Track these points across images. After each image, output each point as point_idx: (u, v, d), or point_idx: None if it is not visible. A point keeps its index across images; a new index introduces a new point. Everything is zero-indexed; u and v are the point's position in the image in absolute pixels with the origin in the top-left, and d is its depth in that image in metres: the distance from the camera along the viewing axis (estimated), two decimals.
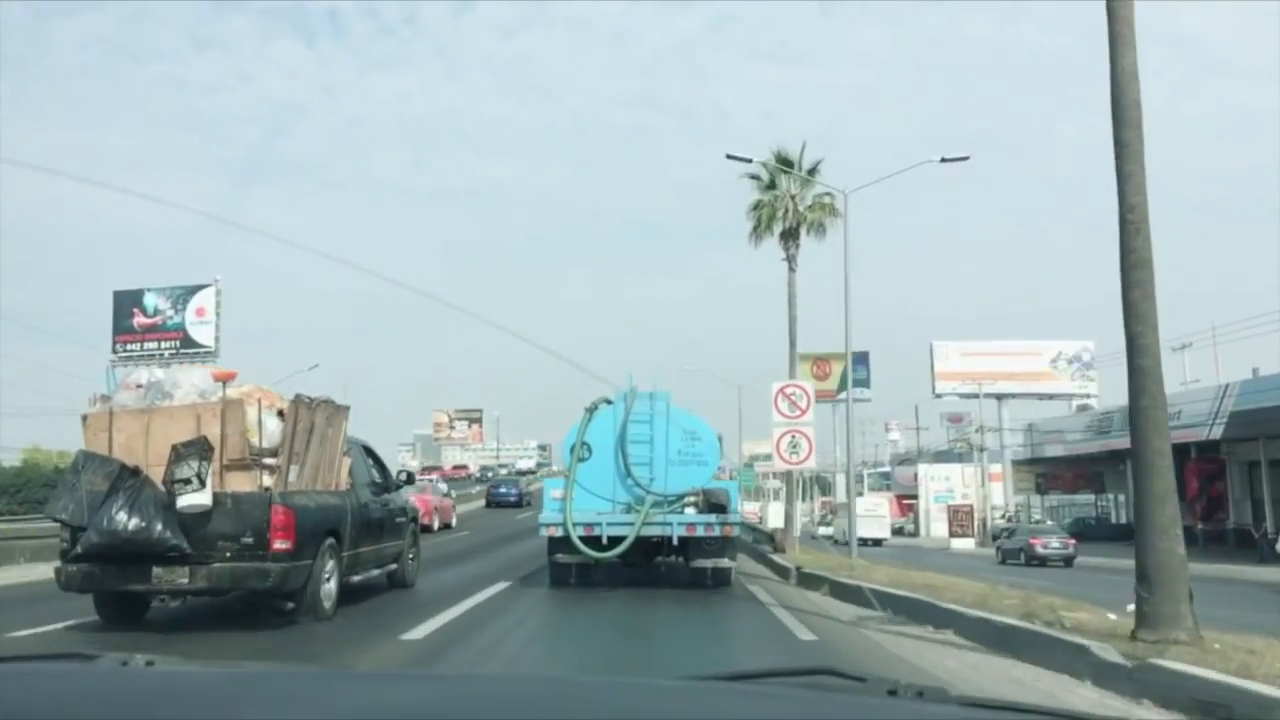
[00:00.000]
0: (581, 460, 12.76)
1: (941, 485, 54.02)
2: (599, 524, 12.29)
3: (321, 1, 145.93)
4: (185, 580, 8.44)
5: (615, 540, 12.22)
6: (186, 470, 8.34)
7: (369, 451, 11.78)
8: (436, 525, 24.69)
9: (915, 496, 58.74)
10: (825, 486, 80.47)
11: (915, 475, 58.81)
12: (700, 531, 12.48)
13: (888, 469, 73.30)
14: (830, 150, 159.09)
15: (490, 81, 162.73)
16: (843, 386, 53.90)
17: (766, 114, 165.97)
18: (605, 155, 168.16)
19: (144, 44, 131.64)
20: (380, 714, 1.10)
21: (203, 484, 8.36)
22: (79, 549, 8.32)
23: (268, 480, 8.74)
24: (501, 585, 12.71)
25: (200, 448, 8.42)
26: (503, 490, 41.22)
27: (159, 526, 8.19)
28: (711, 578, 12.86)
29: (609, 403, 13.14)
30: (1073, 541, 33.74)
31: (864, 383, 55.66)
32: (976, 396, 53.38)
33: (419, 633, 8.42)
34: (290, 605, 8.91)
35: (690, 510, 12.64)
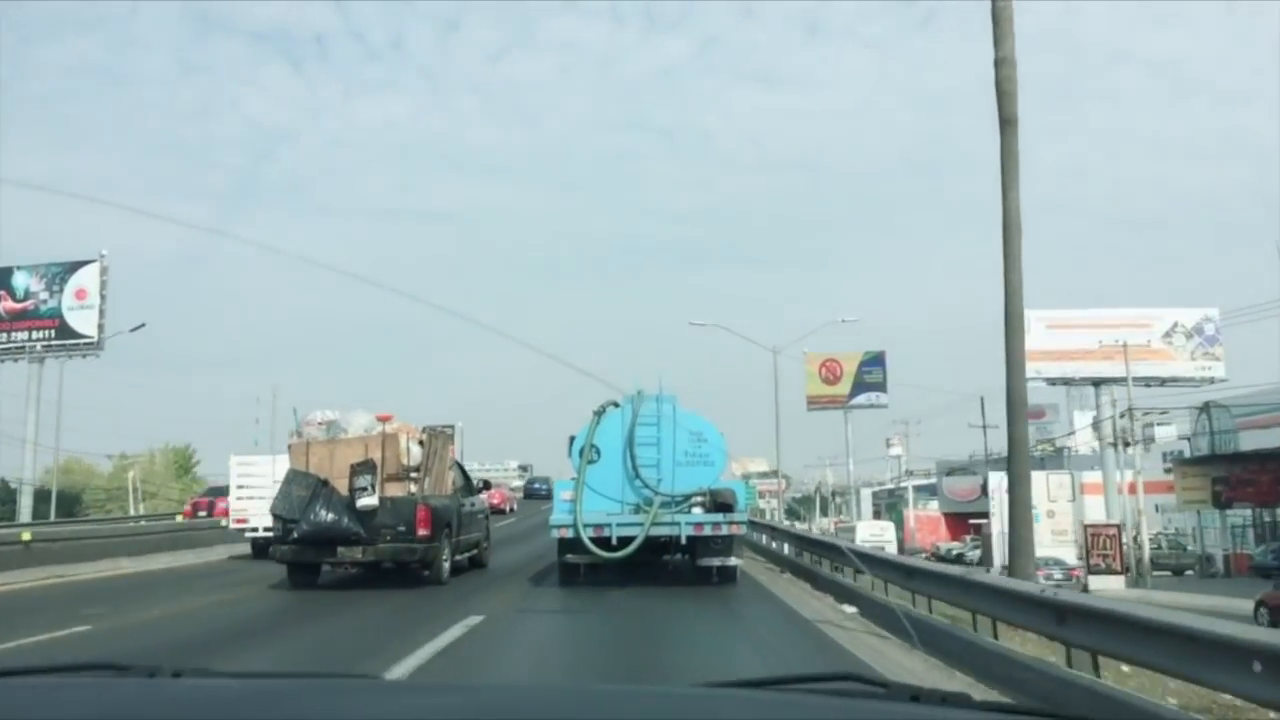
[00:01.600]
0: (591, 463, 13.07)
1: None
2: (609, 525, 12.60)
3: (308, 26, 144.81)
4: (360, 555, 12.60)
5: (624, 540, 12.52)
6: (361, 481, 12.37)
7: (460, 465, 15.62)
8: (507, 510, 34.56)
9: (978, 515, 45.55)
10: (823, 505, 74.13)
11: (985, 487, 43.40)
12: (708, 531, 12.76)
13: (929, 481, 60.38)
14: (815, 174, 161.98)
15: (476, 105, 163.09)
16: (858, 389, 49.46)
17: (752, 138, 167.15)
18: (590, 178, 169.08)
19: (129, 69, 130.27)
20: None
21: (372, 491, 12.38)
22: (294, 535, 12.33)
23: (413, 488, 12.84)
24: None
25: (370, 466, 12.51)
26: (536, 486, 54.42)
27: (345, 520, 12.27)
28: (718, 575, 13.16)
29: (616, 406, 13.44)
30: None
31: (879, 386, 50.13)
32: (1067, 383, 40.92)
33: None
34: (426, 573, 12.92)
35: (697, 510, 12.89)
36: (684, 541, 12.94)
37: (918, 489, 65.76)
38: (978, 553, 41.07)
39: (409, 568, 12.85)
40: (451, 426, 25.28)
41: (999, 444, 49.81)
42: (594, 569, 12.85)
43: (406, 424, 13.52)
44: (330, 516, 12.20)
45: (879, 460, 73.85)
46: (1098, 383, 40.34)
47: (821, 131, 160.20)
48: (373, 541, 12.34)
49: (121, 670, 1.53)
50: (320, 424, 13.05)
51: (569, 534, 12.57)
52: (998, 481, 34.29)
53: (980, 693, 6.20)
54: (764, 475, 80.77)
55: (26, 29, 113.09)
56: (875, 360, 50.33)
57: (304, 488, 12.33)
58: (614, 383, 13.72)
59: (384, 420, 13.17)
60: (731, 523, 12.85)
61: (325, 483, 12.39)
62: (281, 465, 14.03)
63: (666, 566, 14.03)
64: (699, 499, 12.95)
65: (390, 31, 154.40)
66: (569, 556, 12.81)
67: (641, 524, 12.55)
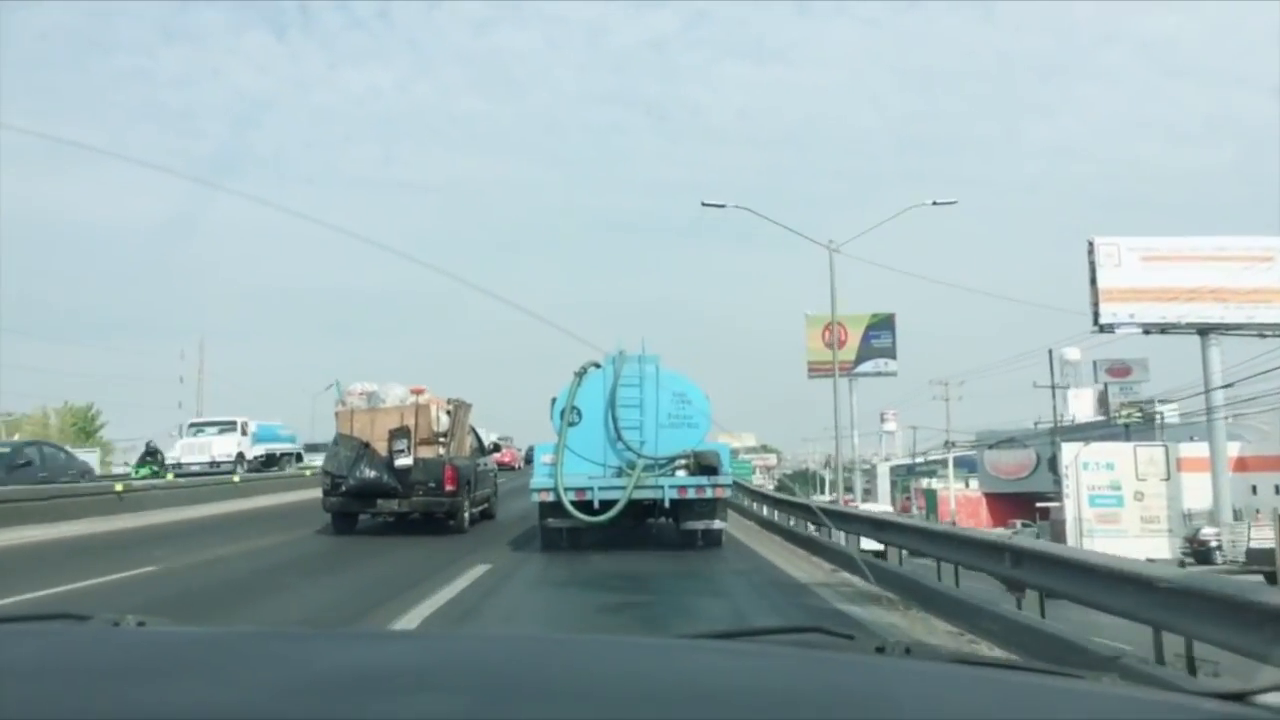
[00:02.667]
0: (572, 425, 12.85)
1: (1102, 477, 28.14)
2: (590, 488, 12.41)
3: None
4: (396, 506, 14.50)
5: (607, 504, 12.32)
6: (398, 444, 14.34)
7: (474, 430, 17.18)
8: (516, 466, 35.20)
9: (1030, 496, 40.81)
10: (822, 481, 66.69)
11: (1052, 461, 37.22)
12: (692, 494, 12.50)
13: (969, 453, 50.24)
14: (804, 150, 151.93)
15: (463, 77, 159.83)
16: (864, 355, 43.45)
17: (741, 112, 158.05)
18: (577, 151, 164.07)
19: (110, 35, 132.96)
20: (363, 673, 1.11)
21: (408, 452, 14.28)
22: (343, 489, 14.33)
23: (441, 450, 14.82)
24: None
25: (405, 431, 14.49)
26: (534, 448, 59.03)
27: (385, 477, 14.24)
28: (702, 539, 12.91)
29: (598, 366, 13.13)
30: None
31: (888, 352, 44.95)
32: (1171, 329, 31.01)
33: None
34: (451, 522, 14.65)
35: (681, 473, 12.61)
36: (668, 505, 12.70)
37: (936, 462, 55.71)
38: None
39: (436, 517, 14.64)
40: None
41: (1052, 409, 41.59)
42: (576, 533, 12.70)
43: (435, 395, 15.56)
44: (372, 474, 14.23)
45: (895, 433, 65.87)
46: (1204, 330, 30.60)
47: (811, 107, 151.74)
48: (408, 495, 14.37)
49: (84, 619, 1.54)
50: (361, 394, 15.11)
51: (550, 498, 12.39)
52: (1073, 454, 28.86)
53: (946, 637, 7.05)
54: (753, 450, 75.13)
55: None
56: (884, 324, 45.30)
57: (350, 449, 14.46)
58: (595, 343, 13.49)
59: (417, 393, 15.24)
60: (716, 485, 12.54)
61: (367, 445, 14.45)
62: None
63: (650, 530, 13.86)
64: (683, 461, 12.64)
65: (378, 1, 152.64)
66: (550, 521, 12.64)
67: (624, 487, 12.32)
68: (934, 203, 20.03)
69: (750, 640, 1.54)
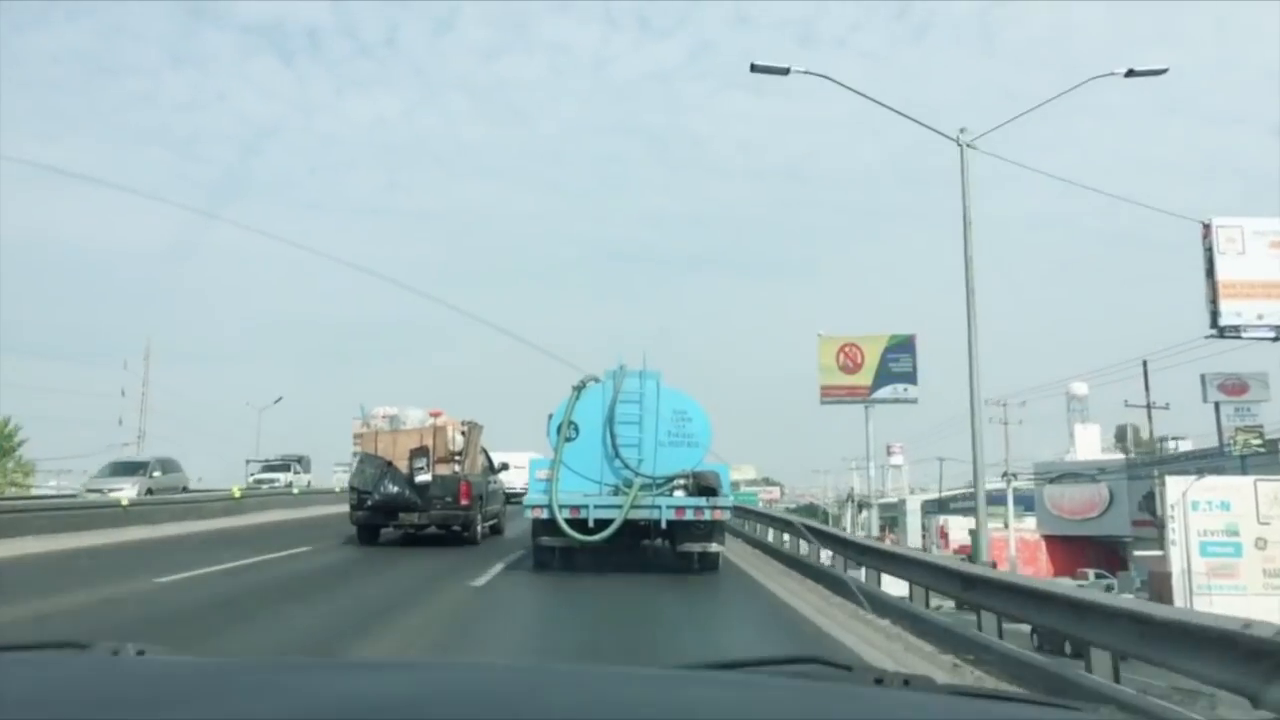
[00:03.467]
0: (568, 440, 12.52)
1: (1215, 519, 22.15)
2: (585, 506, 12.05)
3: (301, 19, 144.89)
4: (416, 519, 15.54)
5: (602, 523, 11.96)
6: (419, 463, 15.40)
7: (484, 450, 17.71)
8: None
9: (1100, 540, 35.38)
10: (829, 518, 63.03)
11: (1111, 496, 33.68)
12: (690, 515, 12.12)
13: (1026, 483, 42.80)
14: (804, 183, 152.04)
15: (468, 105, 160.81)
16: (882, 380, 40.56)
17: (742, 145, 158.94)
18: (580, 180, 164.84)
19: (118, 59, 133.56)
20: (365, 703, 1.12)
21: (427, 470, 15.38)
22: (368, 503, 15.42)
23: (456, 468, 15.79)
24: None
25: (424, 451, 15.59)
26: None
27: (406, 492, 15.31)
28: (699, 562, 12.52)
29: (597, 381, 12.79)
30: None
31: (908, 377, 41.60)
32: None
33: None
34: (465, 534, 15.69)
35: (680, 493, 12.26)
36: (664, 526, 12.28)
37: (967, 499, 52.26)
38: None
39: (451, 529, 15.65)
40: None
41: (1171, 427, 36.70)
42: (569, 553, 12.34)
43: (451, 418, 16.52)
44: (395, 489, 15.28)
45: (921, 466, 60.22)
46: None
47: (812, 140, 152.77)
48: (427, 509, 15.42)
49: (85, 648, 1.54)
50: (384, 417, 16.22)
51: (544, 515, 12.05)
52: (1180, 491, 22.39)
53: (933, 665, 7.07)
54: (753, 483, 72.61)
55: (13, 15, 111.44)
56: (903, 345, 41.76)
57: (374, 467, 15.48)
58: (583, 366, 13.24)
59: (435, 415, 16.35)
60: (715, 507, 12.15)
61: (390, 463, 15.47)
62: None
63: (646, 552, 13.46)
64: (681, 481, 12.31)
65: (384, 28, 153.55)
66: (544, 539, 12.30)
67: (620, 506, 11.98)
68: (1129, 72, 15.06)
69: (747, 670, 1.54)
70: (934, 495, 55.77)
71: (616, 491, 12.27)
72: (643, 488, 12.16)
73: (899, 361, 42.15)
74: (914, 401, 42.06)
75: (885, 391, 41.99)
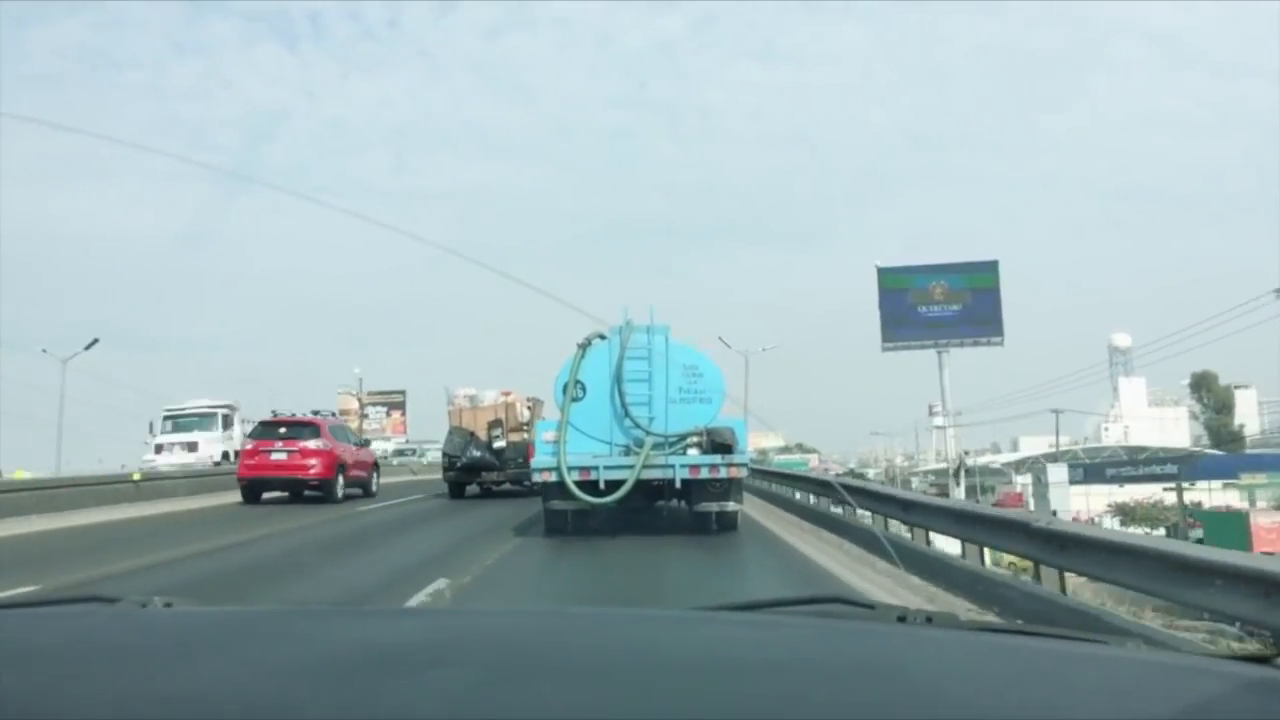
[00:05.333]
0: (575, 400, 12.02)
1: None
2: (595, 467, 11.58)
3: (303, 3, 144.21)
4: (495, 478, 19.61)
5: (613, 485, 11.50)
6: (495, 432, 19.48)
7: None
8: None
9: None
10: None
11: None
12: (705, 473, 11.63)
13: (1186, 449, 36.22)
14: (813, 150, 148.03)
15: (473, 84, 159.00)
16: (960, 319, 31.19)
17: (752, 113, 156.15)
18: (588, 155, 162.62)
19: (123, 50, 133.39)
20: (381, 649, 1.14)
21: (502, 437, 19.37)
22: (458, 465, 19.46)
23: (525, 435, 18.69)
24: None
25: (499, 422, 19.60)
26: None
27: (486, 456, 19.31)
28: (716, 522, 12.06)
29: (603, 338, 12.26)
30: None
31: (991, 315, 32.24)
32: None
33: None
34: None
35: (693, 451, 11.77)
36: (679, 485, 11.79)
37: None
38: None
39: (523, 484, 17.53)
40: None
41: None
42: (581, 516, 11.90)
43: (519, 395, 20.65)
44: (478, 454, 19.24)
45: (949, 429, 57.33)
46: None
47: (820, 106, 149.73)
48: (503, 469, 19.34)
49: (113, 601, 1.57)
50: (464, 396, 20.48)
51: (552, 478, 11.60)
52: None
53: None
54: (785, 451, 70.91)
55: (15, 9, 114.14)
56: (983, 274, 32.30)
57: (461, 437, 19.53)
58: (599, 315, 12.69)
59: (505, 394, 20.44)
60: (730, 464, 11.60)
61: (472, 433, 19.55)
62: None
63: (661, 513, 12.98)
64: (695, 439, 11.78)
65: (387, 9, 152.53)
66: (554, 503, 11.86)
67: (631, 466, 11.48)
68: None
69: (770, 611, 1.52)
70: (1002, 457, 50.46)
71: (627, 452, 11.80)
72: (655, 447, 11.66)
73: (979, 297, 32.39)
74: (998, 343, 32.24)
75: (965, 331, 32.34)
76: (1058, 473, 37.72)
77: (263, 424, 19.39)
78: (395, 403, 73.45)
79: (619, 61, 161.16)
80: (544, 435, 12.10)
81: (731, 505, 12.04)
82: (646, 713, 0.93)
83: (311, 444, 17.86)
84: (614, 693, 0.97)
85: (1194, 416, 51.61)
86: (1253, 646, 4.13)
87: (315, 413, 19.76)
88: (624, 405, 11.90)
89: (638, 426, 11.83)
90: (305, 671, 1.06)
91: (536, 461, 12.01)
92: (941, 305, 32.51)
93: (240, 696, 0.97)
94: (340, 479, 18.34)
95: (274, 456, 17.78)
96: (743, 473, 12.16)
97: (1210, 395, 39.96)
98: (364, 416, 63.23)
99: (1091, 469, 46.48)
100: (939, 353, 31.44)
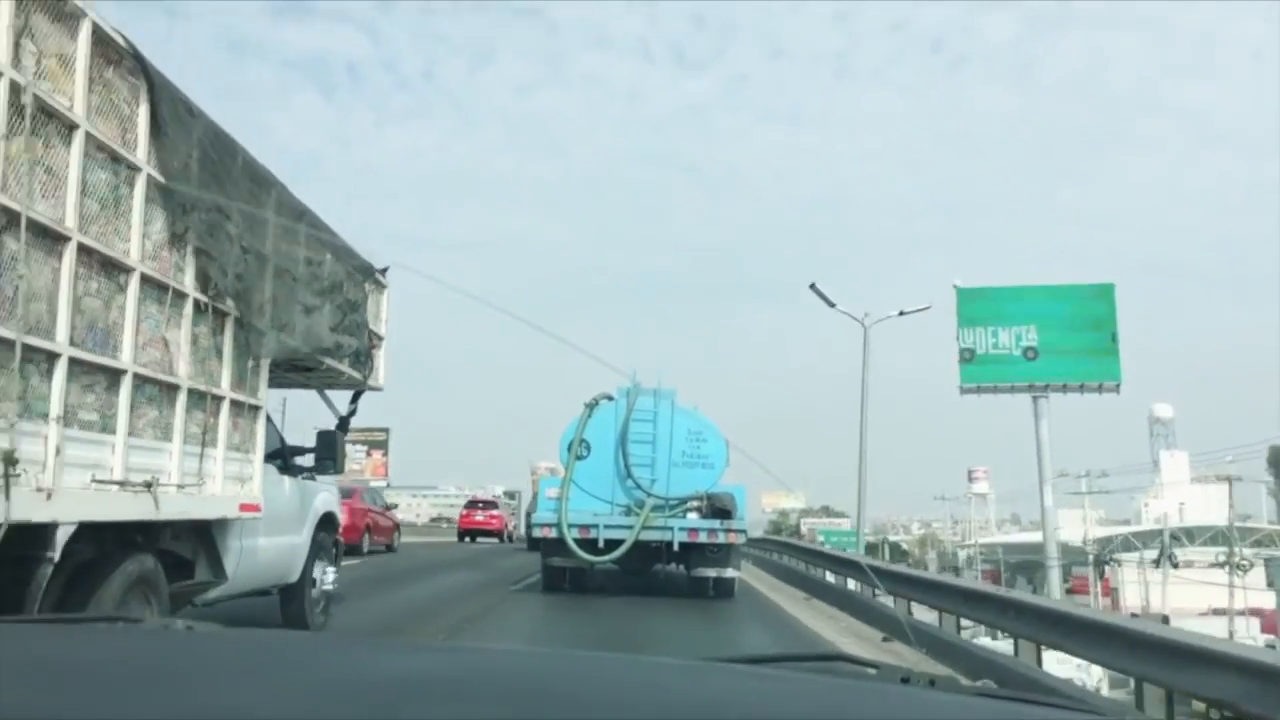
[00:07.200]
0: (580, 458, 12.16)
1: None
2: (596, 525, 11.65)
3: (340, 53, 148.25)
4: None
5: (612, 544, 11.54)
6: None
7: None
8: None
9: None
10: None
11: None
12: (703, 538, 11.61)
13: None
14: (839, 212, 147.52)
15: (503, 136, 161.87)
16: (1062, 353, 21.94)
17: (777, 175, 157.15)
18: (614, 211, 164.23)
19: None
20: (400, 681, 1.16)
21: None
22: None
23: None
24: None
25: None
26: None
27: None
28: (714, 588, 11.96)
29: (610, 399, 12.43)
30: None
31: (1106, 365, 23.41)
32: None
33: None
34: None
35: (694, 515, 11.77)
36: (676, 548, 11.73)
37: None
38: None
39: None
40: None
41: None
42: (579, 575, 11.93)
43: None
44: None
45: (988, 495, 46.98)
46: None
47: (847, 170, 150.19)
48: None
49: (135, 622, 1.59)
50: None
51: (553, 534, 11.66)
52: None
53: None
54: (809, 514, 67.31)
55: None
56: (1097, 294, 24.25)
57: None
58: (619, 367, 12.82)
59: None
60: (729, 530, 11.59)
61: None
62: None
63: (658, 576, 12.92)
64: (695, 503, 11.80)
65: (422, 62, 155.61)
66: (553, 559, 11.93)
67: (631, 526, 11.53)
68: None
69: (772, 666, 1.54)
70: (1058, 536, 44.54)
71: (628, 512, 11.85)
72: (655, 508, 11.70)
73: (1089, 328, 24.23)
74: (1114, 390, 23.91)
75: (1067, 368, 23.99)
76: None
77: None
78: (377, 441, 63.72)
79: (649, 120, 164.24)
80: (547, 491, 12.23)
81: (730, 572, 11.97)
82: None
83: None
84: None
85: (1271, 494, 49.58)
86: None
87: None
88: (627, 466, 11.99)
89: (639, 487, 11.89)
90: (325, 700, 1.06)
91: (538, 517, 12.10)
92: (1039, 337, 24.51)
93: None
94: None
95: None
96: (741, 539, 12.11)
97: None
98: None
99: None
100: (1035, 399, 23.62)
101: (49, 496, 3.86)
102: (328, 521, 8.06)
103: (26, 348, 3.71)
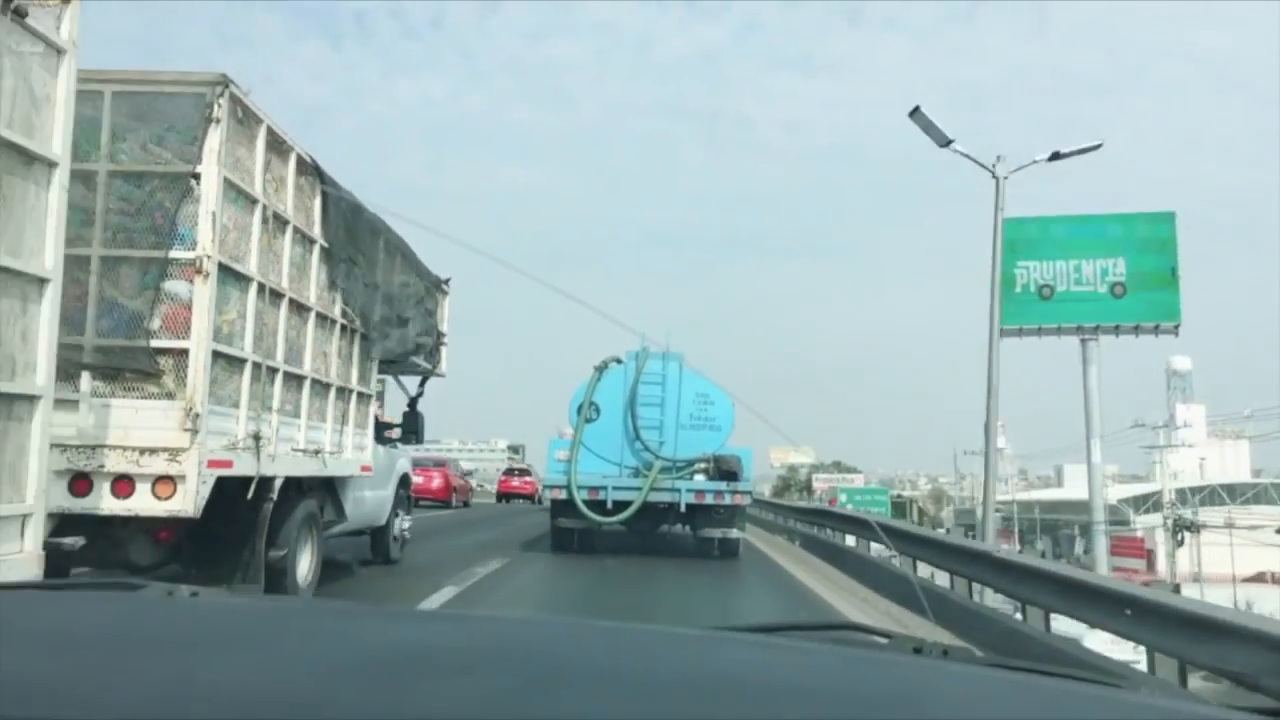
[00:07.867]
0: (589, 421, 12.60)
1: None
2: (604, 487, 12.11)
3: (349, 3, 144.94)
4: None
5: (620, 505, 12.01)
6: None
7: None
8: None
9: None
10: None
11: None
12: (710, 499, 12.16)
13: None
14: (849, 163, 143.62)
15: (513, 86, 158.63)
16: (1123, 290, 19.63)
17: (788, 125, 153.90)
18: (624, 162, 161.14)
19: (169, 42, 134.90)
20: (408, 651, 1.15)
21: None
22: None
23: None
24: None
25: None
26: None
27: None
28: (719, 548, 12.54)
29: (619, 362, 12.88)
30: None
31: (1165, 306, 20.82)
32: None
33: None
34: None
35: (700, 477, 12.31)
36: (683, 509, 12.30)
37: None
38: None
39: None
40: None
41: None
42: (588, 535, 12.36)
43: None
44: None
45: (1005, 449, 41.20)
46: None
47: (859, 120, 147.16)
48: None
49: (139, 588, 1.55)
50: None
51: (562, 495, 12.12)
52: None
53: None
54: (819, 469, 64.78)
55: None
56: (1158, 221, 21.40)
57: None
58: (623, 342, 13.23)
59: None
60: (735, 492, 12.18)
61: None
62: None
63: (665, 536, 13.50)
64: (702, 465, 12.34)
65: (430, 10, 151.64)
66: (562, 520, 12.34)
67: (639, 488, 12.04)
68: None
69: (782, 635, 1.55)
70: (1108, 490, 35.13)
71: (636, 474, 12.33)
72: (663, 470, 12.18)
73: (1148, 263, 21.26)
74: (1173, 332, 21.13)
75: (1133, 305, 21.15)
76: None
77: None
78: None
79: (659, 69, 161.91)
80: (556, 454, 12.58)
81: (734, 533, 12.50)
82: None
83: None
84: (642, 706, 0.97)
85: None
86: (1266, 700, 3.94)
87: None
88: (636, 428, 12.47)
89: (647, 450, 12.38)
90: (333, 669, 1.05)
91: (547, 479, 12.58)
92: (1091, 274, 21.46)
93: (266, 690, 0.97)
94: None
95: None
96: (747, 500, 12.65)
97: None
98: None
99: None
100: (1083, 342, 20.91)
101: (274, 459, 6.17)
102: (405, 481, 10.46)
103: (264, 367, 6.03)
